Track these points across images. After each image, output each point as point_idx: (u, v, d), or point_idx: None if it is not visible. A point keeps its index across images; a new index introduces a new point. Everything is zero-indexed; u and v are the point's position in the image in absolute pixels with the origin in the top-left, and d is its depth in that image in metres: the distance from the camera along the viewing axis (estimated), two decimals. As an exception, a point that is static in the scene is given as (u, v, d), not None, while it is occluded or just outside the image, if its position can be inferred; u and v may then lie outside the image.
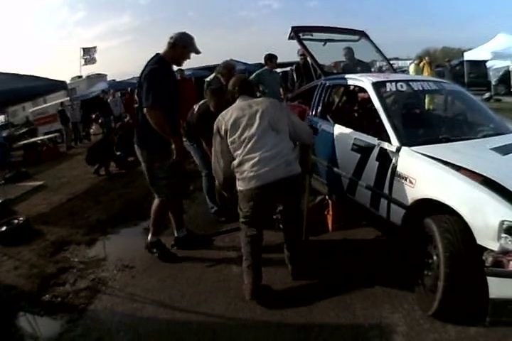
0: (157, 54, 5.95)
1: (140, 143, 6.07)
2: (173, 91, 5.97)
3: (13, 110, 27.48)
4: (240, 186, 4.93)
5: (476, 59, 24.91)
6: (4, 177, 13.59)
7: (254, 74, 10.98)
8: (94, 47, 40.83)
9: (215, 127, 5.12)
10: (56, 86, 14.93)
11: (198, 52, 6.10)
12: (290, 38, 7.81)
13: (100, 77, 39.53)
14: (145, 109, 5.66)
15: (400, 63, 36.03)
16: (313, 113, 7.58)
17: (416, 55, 36.14)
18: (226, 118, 5.03)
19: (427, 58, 19.33)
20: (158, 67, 5.79)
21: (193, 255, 6.51)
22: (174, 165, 5.99)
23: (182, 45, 5.90)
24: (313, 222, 6.44)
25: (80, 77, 36.92)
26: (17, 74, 13.37)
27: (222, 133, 5.01)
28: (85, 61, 38.70)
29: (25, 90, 13.12)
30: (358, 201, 5.76)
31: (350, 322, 4.37)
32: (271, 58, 10.93)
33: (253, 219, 5.03)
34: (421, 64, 18.63)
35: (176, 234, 6.86)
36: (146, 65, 5.88)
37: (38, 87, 13.83)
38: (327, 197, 6.77)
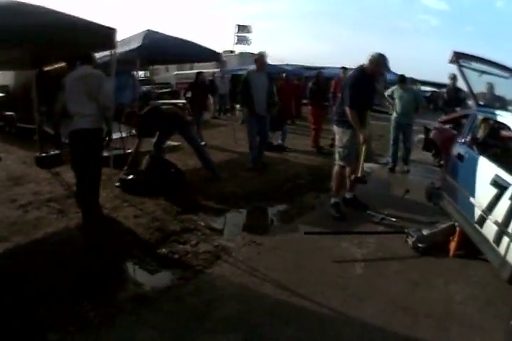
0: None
1: (340, 124, 8.05)
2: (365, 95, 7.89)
3: (155, 68, 27.86)
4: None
5: None
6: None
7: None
8: (249, 26, 41.10)
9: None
10: (210, 55, 15.15)
11: (388, 70, 8.32)
12: (451, 61, 7.90)
13: (253, 56, 37.90)
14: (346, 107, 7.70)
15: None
16: (462, 140, 7.79)
17: None
18: None
19: None
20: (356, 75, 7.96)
21: (324, 246, 6.70)
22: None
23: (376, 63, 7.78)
24: (437, 243, 6.71)
25: (231, 51, 36.94)
26: (175, 37, 13.80)
27: None
28: (238, 39, 38.94)
29: (181, 53, 13.74)
30: (484, 234, 5.88)
31: None
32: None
33: None
34: None
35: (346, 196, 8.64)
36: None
37: (192, 53, 14.25)
38: (456, 223, 6.87)
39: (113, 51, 9.47)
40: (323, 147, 14.82)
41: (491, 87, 8.70)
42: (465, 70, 8.00)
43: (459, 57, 7.94)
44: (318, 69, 22.94)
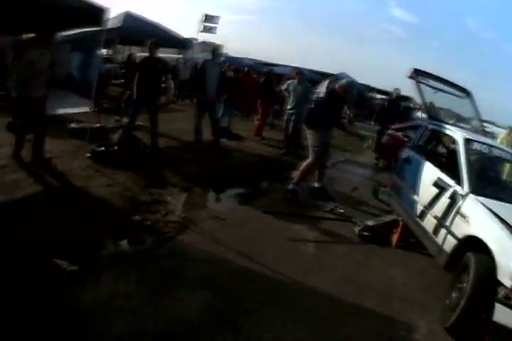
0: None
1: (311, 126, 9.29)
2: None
3: (120, 47, 27.85)
4: None
5: None
6: (102, 106, 13.89)
7: None
8: (216, 17, 41.20)
9: None
10: (181, 42, 16.17)
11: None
12: (410, 77, 8.72)
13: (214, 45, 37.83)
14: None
15: (495, 129, 36.10)
16: (411, 146, 8.94)
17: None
18: None
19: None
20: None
21: (279, 226, 7.54)
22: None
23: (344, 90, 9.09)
24: (381, 234, 7.63)
25: (194, 39, 36.97)
26: (151, 22, 14.72)
27: None
28: (204, 28, 38.94)
29: (155, 37, 14.11)
30: (424, 226, 6.91)
31: (388, 314, 5.31)
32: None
33: None
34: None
35: (316, 185, 9.76)
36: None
37: (165, 38, 14.85)
38: (400, 218, 7.83)
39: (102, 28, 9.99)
40: (265, 137, 16.23)
41: (444, 103, 9.69)
42: (422, 86, 8.90)
43: (417, 74, 8.82)
44: (271, 67, 24.03)
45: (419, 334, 5.07)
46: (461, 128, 8.66)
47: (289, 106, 14.09)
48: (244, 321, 4.65)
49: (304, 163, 9.24)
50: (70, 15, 8.85)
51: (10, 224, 5.80)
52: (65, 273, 4.89)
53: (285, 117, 14.82)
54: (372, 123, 16.44)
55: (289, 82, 14.74)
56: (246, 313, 4.82)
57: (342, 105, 9.39)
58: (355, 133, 10.12)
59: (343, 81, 9.27)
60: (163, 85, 11.93)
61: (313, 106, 9.38)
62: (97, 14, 9.42)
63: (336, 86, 9.00)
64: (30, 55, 8.16)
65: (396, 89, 16.26)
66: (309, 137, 9.34)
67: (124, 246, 6.02)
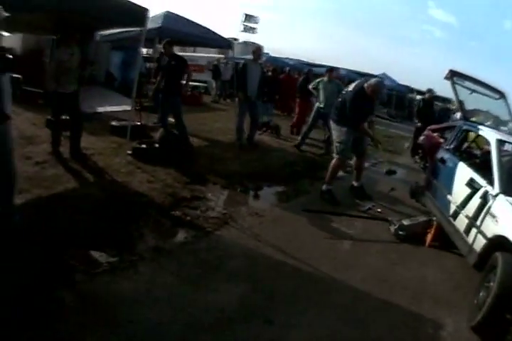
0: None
1: (338, 122, 9.17)
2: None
3: (159, 47, 28.05)
4: None
5: None
6: (142, 105, 13.76)
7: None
8: (256, 17, 41.51)
9: None
10: (222, 43, 16.11)
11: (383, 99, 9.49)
12: (446, 78, 8.83)
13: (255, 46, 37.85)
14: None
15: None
16: (447, 147, 9.03)
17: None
18: None
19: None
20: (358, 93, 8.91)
21: (317, 224, 7.65)
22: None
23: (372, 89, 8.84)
24: (415, 234, 7.70)
25: (235, 39, 37.20)
26: (192, 21, 14.71)
27: None
28: (244, 28, 39.20)
29: (196, 37, 14.70)
30: (456, 225, 6.97)
31: (417, 312, 5.35)
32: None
33: None
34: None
35: (354, 184, 9.88)
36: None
37: (206, 38, 15.14)
38: (434, 218, 7.93)
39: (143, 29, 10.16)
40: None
41: (482, 105, 9.79)
42: (458, 87, 9.00)
43: (453, 75, 8.91)
44: (311, 67, 24.17)
45: (446, 331, 5.12)
46: (496, 129, 8.74)
47: (320, 105, 13.95)
48: (278, 314, 4.78)
49: (332, 161, 9.31)
50: (111, 15, 9.12)
51: (49, 217, 6.06)
52: (102, 264, 5.14)
53: (312, 114, 14.67)
54: (417, 122, 16.19)
55: (318, 80, 14.64)
56: (280, 306, 4.96)
57: (368, 104, 9.26)
58: (369, 135, 9.83)
59: (372, 80, 9.15)
60: (183, 82, 12.15)
61: (339, 100, 9.35)
62: (137, 14, 9.66)
63: (365, 84, 8.93)
64: (60, 54, 8.65)
65: (430, 89, 16.23)
66: (333, 133, 9.42)
67: (163, 240, 6.14)
